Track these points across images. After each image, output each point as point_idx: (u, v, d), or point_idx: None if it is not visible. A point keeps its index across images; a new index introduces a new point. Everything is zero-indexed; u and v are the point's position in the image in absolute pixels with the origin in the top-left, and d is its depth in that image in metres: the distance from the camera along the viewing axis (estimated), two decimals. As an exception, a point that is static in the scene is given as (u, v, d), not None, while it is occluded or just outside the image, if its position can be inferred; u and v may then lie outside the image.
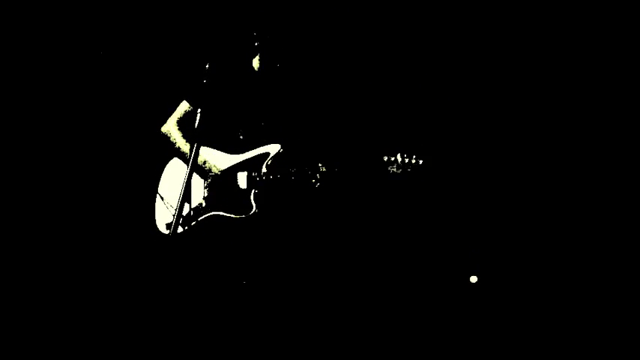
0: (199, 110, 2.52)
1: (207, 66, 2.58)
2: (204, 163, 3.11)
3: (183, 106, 3.20)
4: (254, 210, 2.96)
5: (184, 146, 3.16)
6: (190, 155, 2.47)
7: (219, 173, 3.10)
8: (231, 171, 3.08)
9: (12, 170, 3.59)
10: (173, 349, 2.98)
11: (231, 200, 3.03)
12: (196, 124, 2.51)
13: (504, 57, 3.48)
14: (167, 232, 3.06)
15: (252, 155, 3.07)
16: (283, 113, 3.15)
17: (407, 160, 2.77)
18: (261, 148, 3.06)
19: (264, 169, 3.00)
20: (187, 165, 2.79)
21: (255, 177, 3.00)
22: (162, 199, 3.12)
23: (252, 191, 2.99)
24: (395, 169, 2.77)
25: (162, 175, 3.25)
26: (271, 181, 2.98)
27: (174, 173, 3.22)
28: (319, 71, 3.36)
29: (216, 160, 3.13)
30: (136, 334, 2.68)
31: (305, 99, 3.20)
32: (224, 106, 3.13)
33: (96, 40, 3.60)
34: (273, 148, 3.02)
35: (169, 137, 3.19)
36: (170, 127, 3.20)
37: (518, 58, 3.45)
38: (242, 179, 3.03)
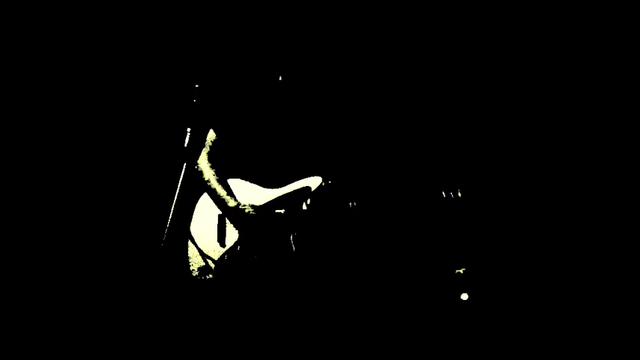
0: (189, 130, 2.55)
1: (196, 85, 2.60)
2: (237, 204, 2.85)
3: (210, 136, 3.01)
4: (294, 253, 2.74)
5: (215, 185, 2.91)
6: (179, 176, 2.49)
7: (253, 212, 2.84)
8: (268, 208, 2.84)
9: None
10: None
11: (268, 241, 2.80)
12: (186, 144, 2.54)
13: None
14: (200, 277, 2.89)
15: (291, 190, 2.83)
16: (321, 141, 2.93)
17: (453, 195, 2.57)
18: (301, 181, 2.82)
19: (304, 207, 2.77)
20: (217, 207, 2.82)
21: (295, 216, 2.76)
22: (194, 242, 2.90)
23: (292, 232, 2.75)
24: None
25: (195, 212, 3.00)
26: (312, 220, 2.75)
27: (207, 217, 2.96)
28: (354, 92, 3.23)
29: (250, 195, 2.91)
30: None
31: (342, 122, 2.99)
32: (255, 134, 2.97)
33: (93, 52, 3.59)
34: (314, 182, 2.80)
35: (201, 173, 2.95)
36: (201, 161, 2.97)
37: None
38: (280, 217, 2.79)
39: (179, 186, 2.47)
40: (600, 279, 3.30)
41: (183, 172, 2.51)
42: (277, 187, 2.87)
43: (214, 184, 2.93)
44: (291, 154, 2.95)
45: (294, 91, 2.97)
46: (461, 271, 3.33)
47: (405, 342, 3.23)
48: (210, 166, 2.97)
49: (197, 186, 2.98)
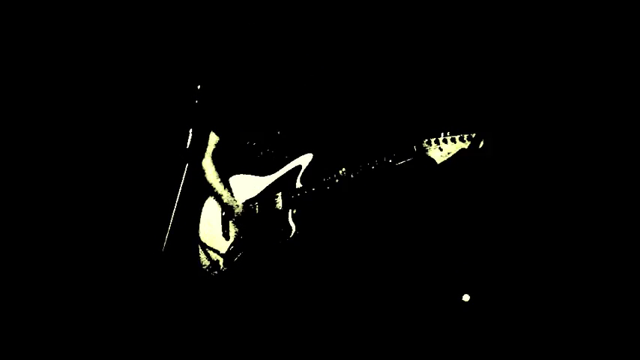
0: (190, 130, 2.59)
1: (198, 87, 2.64)
2: (234, 200, 3.00)
3: (212, 139, 3.12)
4: (294, 232, 2.84)
5: (217, 184, 3.05)
6: (183, 174, 2.52)
7: (253, 202, 2.98)
8: (266, 194, 2.97)
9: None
10: None
11: (269, 226, 2.91)
12: (188, 145, 2.58)
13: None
14: (212, 273, 3.02)
15: (285, 172, 2.95)
16: (303, 120, 3.05)
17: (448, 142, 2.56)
18: (293, 162, 2.94)
19: (298, 184, 2.88)
20: (220, 204, 2.97)
21: (290, 195, 2.86)
22: (204, 245, 3.04)
23: (290, 211, 2.87)
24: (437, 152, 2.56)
25: (202, 217, 3.13)
26: (308, 196, 2.83)
27: (212, 215, 3.09)
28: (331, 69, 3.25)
29: (249, 186, 3.03)
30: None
31: (321, 100, 3.10)
32: (242, 126, 3.10)
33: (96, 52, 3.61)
34: (305, 159, 2.91)
35: (204, 173, 3.09)
36: (206, 163, 3.10)
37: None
38: (278, 200, 2.90)
39: (181, 185, 2.49)
40: (600, 279, 3.30)
41: (185, 172, 2.53)
42: (273, 173, 2.98)
43: (215, 184, 3.05)
44: (280, 137, 3.05)
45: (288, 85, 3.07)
46: (462, 271, 3.34)
47: (405, 342, 3.25)
48: (213, 165, 3.09)
49: (202, 186, 3.09)
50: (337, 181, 2.75)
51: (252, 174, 3.06)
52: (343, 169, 2.76)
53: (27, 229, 3.59)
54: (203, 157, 3.10)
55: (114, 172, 3.61)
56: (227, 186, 3.06)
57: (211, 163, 3.10)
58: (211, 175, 3.09)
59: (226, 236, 3.00)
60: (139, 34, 3.58)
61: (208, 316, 3.15)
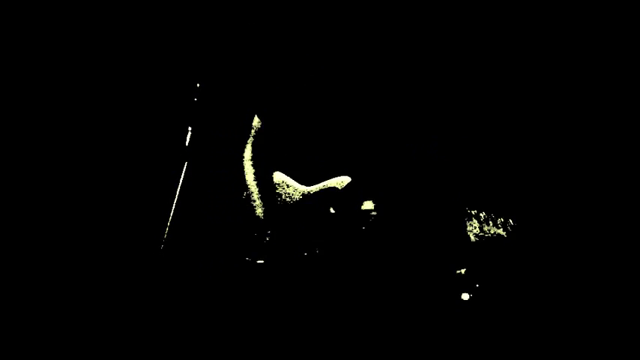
0: (190, 129, 2.58)
1: (197, 85, 2.63)
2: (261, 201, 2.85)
3: (255, 124, 2.91)
4: (317, 252, 2.72)
5: (251, 183, 2.85)
6: (181, 173, 2.52)
7: (279, 212, 2.82)
8: (298, 205, 2.81)
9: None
10: None
11: (293, 240, 2.78)
12: (187, 143, 2.57)
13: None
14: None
15: (319, 189, 2.79)
16: (346, 140, 2.89)
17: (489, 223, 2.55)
18: (329, 181, 2.78)
19: (330, 210, 2.75)
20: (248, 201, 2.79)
21: (315, 219, 2.74)
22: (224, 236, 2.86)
23: (310, 235, 2.74)
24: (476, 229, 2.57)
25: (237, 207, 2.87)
26: (333, 225, 2.72)
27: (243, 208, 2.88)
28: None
29: (289, 191, 2.85)
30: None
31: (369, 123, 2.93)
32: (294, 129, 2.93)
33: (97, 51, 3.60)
34: (341, 182, 2.77)
35: (244, 167, 2.87)
36: (246, 155, 2.88)
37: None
38: (307, 217, 2.77)
39: (180, 184, 2.48)
40: (601, 279, 3.31)
41: (184, 171, 2.53)
42: (307, 185, 2.85)
43: (250, 180, 2.88)
44: (323, 151, 2.93)
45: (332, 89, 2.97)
46: (462, 271, 3.34)
47: (405, 342, 3.24)
48: (252, 159, 2.91)
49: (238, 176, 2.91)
50: (365, 222, 2.69)
51: (289, 177, 2.90)
52: (374, 212, 2.70)
53: (22, 226, 3.57)
54: (245, 145, 2.87)
55: (111, 172, 3.60)
56: (261, 183, 2.90)
57: (250, 157, 2.90)
58: (249, 168, 2.89)
59: (246, 237, 2.89)
60: (137, 32, 3.58)
61: (206, 318, 3.14)
